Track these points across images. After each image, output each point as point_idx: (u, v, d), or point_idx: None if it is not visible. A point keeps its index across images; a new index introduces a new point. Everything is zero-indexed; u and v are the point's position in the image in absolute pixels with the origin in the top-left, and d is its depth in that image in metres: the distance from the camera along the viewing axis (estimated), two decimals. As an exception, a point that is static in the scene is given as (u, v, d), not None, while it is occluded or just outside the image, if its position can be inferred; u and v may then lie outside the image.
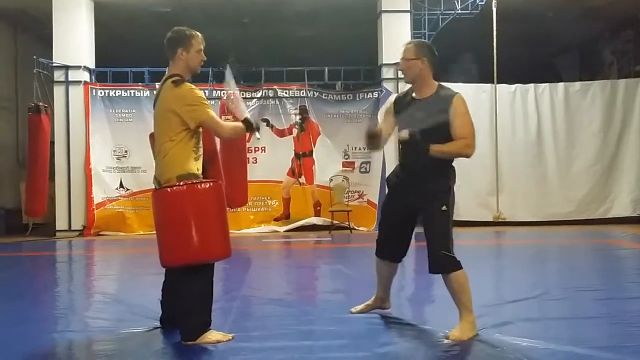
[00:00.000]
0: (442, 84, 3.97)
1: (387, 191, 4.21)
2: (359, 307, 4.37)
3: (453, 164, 3.92)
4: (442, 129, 3.73)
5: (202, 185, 3.62)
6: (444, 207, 3.76)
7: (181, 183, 3.59)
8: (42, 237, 10.68)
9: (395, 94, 4.15)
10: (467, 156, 3.82)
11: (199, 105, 3.65)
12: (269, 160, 11.32)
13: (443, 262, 3.74)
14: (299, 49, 14.42)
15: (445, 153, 3.76)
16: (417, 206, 3.89)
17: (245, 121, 3.85)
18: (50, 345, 3.85)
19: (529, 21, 12.80)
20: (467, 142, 3.76)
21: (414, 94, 3.95)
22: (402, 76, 3.96)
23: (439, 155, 3.74)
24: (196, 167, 3.72)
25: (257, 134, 3.92)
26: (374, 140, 3.96)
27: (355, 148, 11.41)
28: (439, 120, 3.72)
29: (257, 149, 11.29)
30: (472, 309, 3.75)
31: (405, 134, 3.77)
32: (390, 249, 4.11)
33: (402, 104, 4.00)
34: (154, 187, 3.81)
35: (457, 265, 3.75)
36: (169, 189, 3.60)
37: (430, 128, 3.70)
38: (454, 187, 3.89)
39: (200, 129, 3.76)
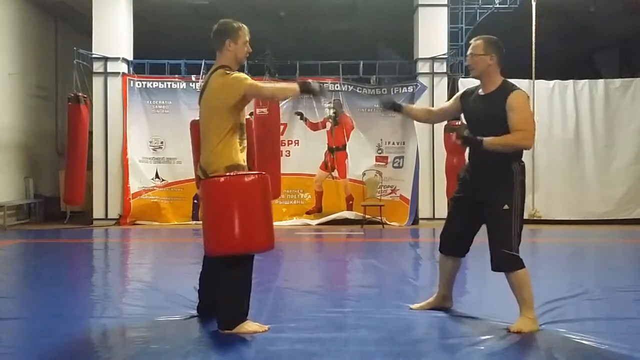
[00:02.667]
0: (508, 80, 3.98)
1: (457, 186, 4.20)
2: (420, 304, 4.36)
3: (519, 161, 3.89)
4: (499, 124, 3.75)
5: (251, 177, 3.66)
6: (506, 206, 3.77)
7: (230, 174, 3.63)
8: (80, 225, 10.89)
9: (465, 89, 4.25)
10: (526, 148, 3.82)
11: (239, 80, 3.67)
12: (302, 153, 11.35)
13: (504, 260, 3.77)
14: (334, 43, 14.42)
15: (500, 145, 3.74)
16: (482, 203, 3.89)
17: (302, 85, 3.80)
18: (88, 329, 3.94)
19: (569, 16, 12.57)
20: (525, 134, 3.73)
21: (480, 91, 4.00)
22: (470, 70, 4.02)
23: (494, 149, 3.73)
24: (242, 158, 3.77)
25: (318, 98, 3.91)
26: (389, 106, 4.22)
27: (389, 143, 11.38)
28: (493, 115, 3.78)
29: (290, 142, 11.33)
30: (533, 306, 3.80)
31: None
32: (454, 244, 4.13)
33: (468, 99, 4.06)
34: (198, 176, 3.86)
35: (518, 264, 3.77)
36: (219, 179, 3.63)
37: (488, 123, 3.77)
38: (523, 186, 3.86)
39: (244, 121, 3.79)
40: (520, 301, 3.80)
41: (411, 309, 4.31)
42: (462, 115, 4.22)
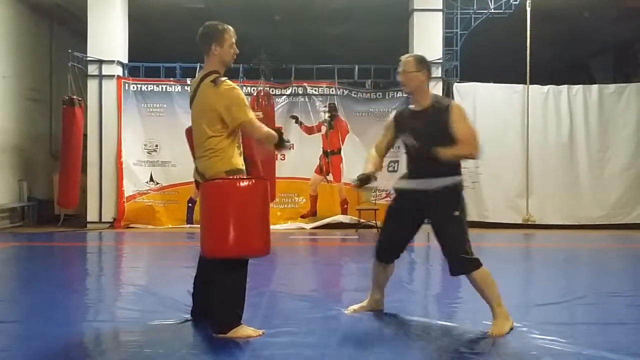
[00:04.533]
0: (436, 94, 4.17)
1: (394, 197, 4.31)
2: (354, 307, 4.41)
3: (461, 172, 4.01)
4: (443, 137, 3.87)
5: (251, 181, 3.67)
6: (456, 212, 3.88)
7: (231, 177, 3.64)
8: (73, 228, 10.84)
9: (394, 113, 4.39)
10: (474, 157, 3.97)
11: (239, 107, 3.67)
12: (297, 157, 11.33)
13: (462, 264, 3.86)
14: (330, 47, 14.43)
15: (450, 156, 3.86)
16: (425, 213, 4.01)
17: (279, 134, 3.84)
18: (81, 333, 3.92)
19: (564, 21, 12.62)
20: (473, 144, 3.87)
21: (411, 107, 4.14)
22: (403, 88, 4.19)
23: (445, 159, 3.84)
24: (240, 162, 3.77)
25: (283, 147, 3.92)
26: (366, 182, 4.17)
27: (384, 147, 11.36)
28: (438, 128, 3.89)
29: (285, 145, 11.31)
30: (501, 301, 3.86)
31: (412, 141, 3.93)
32: (389, 251, 4.23)
33: (402, 119, 4.18)
34: (194, 180, 3.87)
35: (476, 265, 3.86)
36: (220, 182, 3.64)
37: (432, 136, 3.88)
38: (464, 190, 3.99)
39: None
40: (488, 300, 3.88)
41: (346, 312, 4.36)
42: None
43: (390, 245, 4.21)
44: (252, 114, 3.73)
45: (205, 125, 3.71)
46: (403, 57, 4.11)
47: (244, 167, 3.78)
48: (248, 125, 3.70)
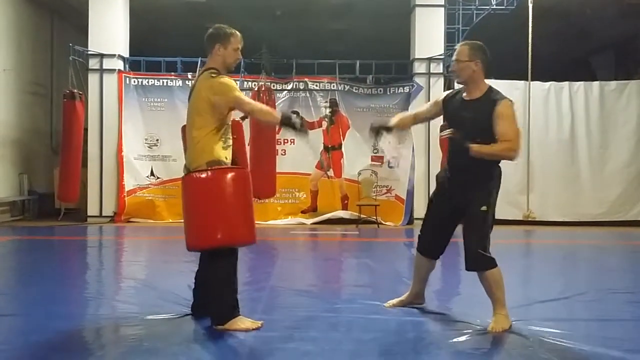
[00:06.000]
0: (493, 87, 3.96)
1: (435, 188, 4.28)
2: (393, 302, 4.41)
3: (499, 164, 3.94)
4: (483, 130, 3.76)
5: (228, 171, 3.71)
6: (484, 207, 3.84)
7: (208, 169, 3.68)
8: (74, 222, 10.85)
9: (446, 92, 4.27)
10: (510, 159, 3.82)
11: (230, 91, 3.74)
12: (297, 152, 11.32)
13: (479, 260, 3.84)
14: (331, 42, 14.41)
15: (485, 154, 3.76)
16: (460, 205, 3.94)
17: (284, 117, 3.87)
18: (81, 327, 3.93)
19: (565, 18, 12.59)
20: (511, 145, 3.74)
21: (464, 95, 3.98)
22: (455, 77, 4.05)
23: (478, 155, 3.75)
24: (225, 155, 3.80)
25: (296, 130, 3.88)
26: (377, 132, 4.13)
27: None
28: (480, 122, 3.77)
29: (286, 141, 11.30)
30: (505, 303, 3.86)
31: (447, 132, 3.81)
32: (431, 245, 4.19)
33: (451, 103, 4.05)
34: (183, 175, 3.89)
35: (492, 264, 3.85)
36: (195, 174, 3.70)
37: (476, 130, 3.76)
38: (498, 189, 3.94)
39: (230, 121, 3.85)
40: (493, 300, 3.88)
41: (385, 306, 4.36)
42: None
43: (431, 237, 4.16)
44: (243, 96, 3.80)
45: (195, 117, 3.78)
46: (458, 45, 4.01)
47: (228, 160, 3.82)
48: (240, 101, 3.77)
